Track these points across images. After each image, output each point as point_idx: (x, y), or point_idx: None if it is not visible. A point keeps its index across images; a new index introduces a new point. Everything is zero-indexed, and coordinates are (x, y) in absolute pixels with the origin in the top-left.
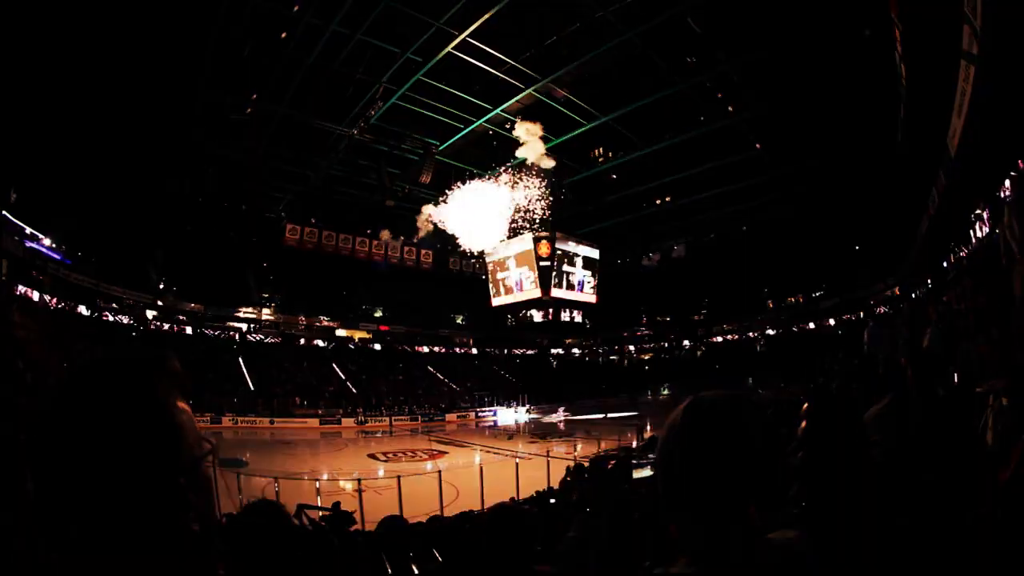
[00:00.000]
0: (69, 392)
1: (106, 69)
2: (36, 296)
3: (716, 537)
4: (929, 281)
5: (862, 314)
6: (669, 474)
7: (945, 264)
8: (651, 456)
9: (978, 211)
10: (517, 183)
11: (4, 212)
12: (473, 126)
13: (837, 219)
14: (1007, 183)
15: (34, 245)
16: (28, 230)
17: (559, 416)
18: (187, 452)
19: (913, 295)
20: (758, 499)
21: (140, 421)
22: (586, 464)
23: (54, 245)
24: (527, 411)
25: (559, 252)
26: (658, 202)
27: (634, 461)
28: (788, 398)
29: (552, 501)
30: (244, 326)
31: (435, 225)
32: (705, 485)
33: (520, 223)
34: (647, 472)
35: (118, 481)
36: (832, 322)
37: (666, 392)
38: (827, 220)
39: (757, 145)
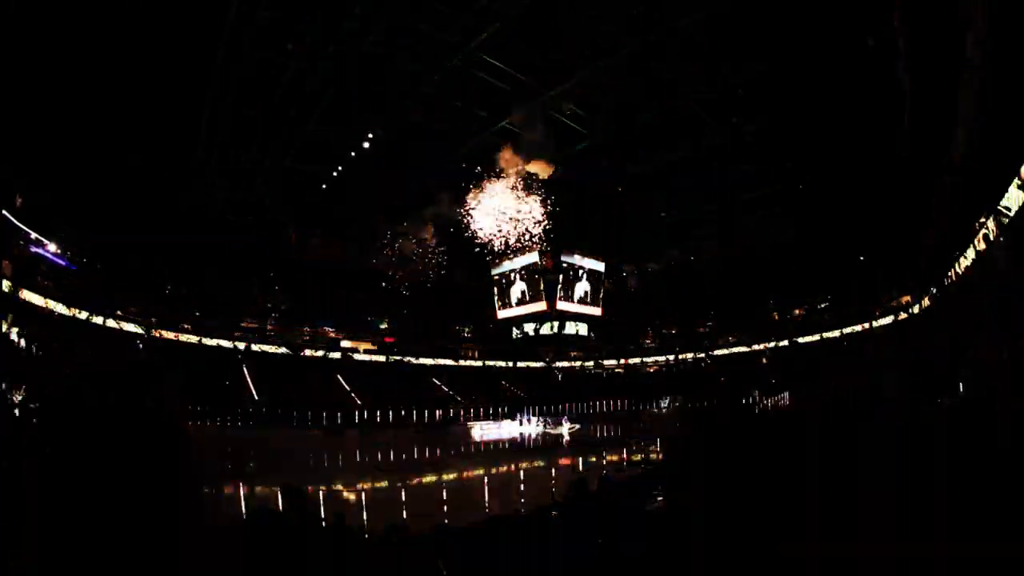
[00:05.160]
0: (74, 398)
1: (114, 75)
2: (41, 302)
3: None
4: (935, 291)
5: (867, 326)
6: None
7: (951, 274)
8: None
9: (982, 220)
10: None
11: (10, 217)
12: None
13: (841, 231)
14: (1010, 191)
15: (39, 250)
16: (33, 235)
17: (564, 430)
18: (189, 459)
19: (919, 306)
20: None
21: (146, 428)
22: (588, 478)
23: (59, 251)
24: (532, 425)
25: (564, 265)
26: (664, 215)
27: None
28: (792, 409)
29: (554, 513)
30: (249, 336)
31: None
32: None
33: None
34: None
35: (120, 485)
36: (837, 334)
37: (671, 404)
38: (831, 232)
39: (759, 153)
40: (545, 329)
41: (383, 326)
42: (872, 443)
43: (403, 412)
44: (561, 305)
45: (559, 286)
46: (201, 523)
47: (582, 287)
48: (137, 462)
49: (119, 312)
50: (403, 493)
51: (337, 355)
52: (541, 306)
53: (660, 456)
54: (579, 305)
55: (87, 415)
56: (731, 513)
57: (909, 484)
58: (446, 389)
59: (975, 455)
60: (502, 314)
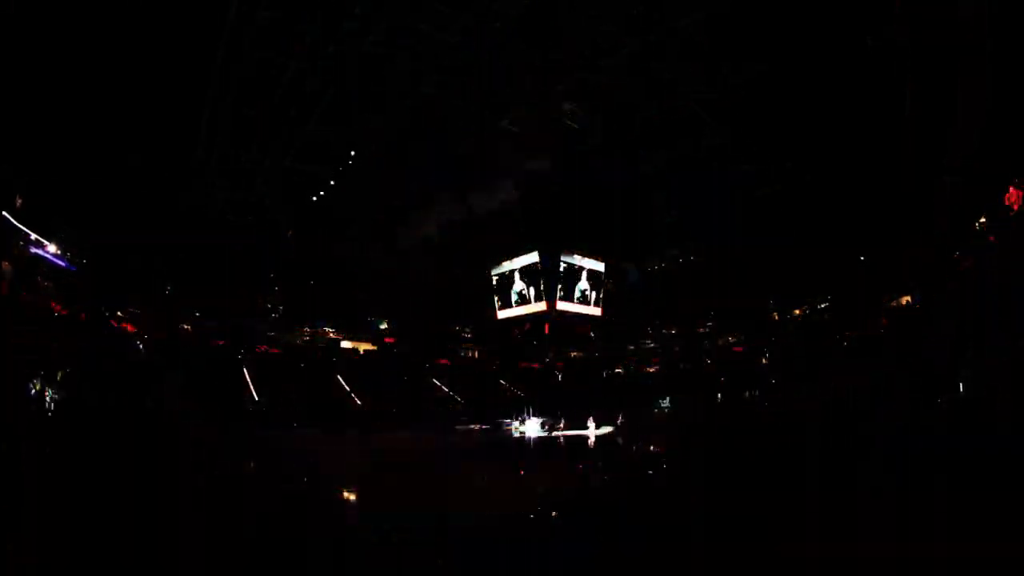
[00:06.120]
0: (74, 398)
1: (115, 75)
2: (40, 302)
3: None
4: (935, 291)
5: (867, 326)
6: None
7: (949, 274)
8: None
9: (982, 220)
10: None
11: (10, 217)
12: None
13: (841, 232)
14: (1010, 191)
15: (39, 251)
16: (33, 236)
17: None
18: (189, 460)
19: (919, 306)
20: None
21: (146, 428)
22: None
23: (59, 252)
24: (532, 425)
25: (564, 265)
26: (662, 215)
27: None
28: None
29: (554, 513)
30: (248, 336)
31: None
32: None
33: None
34: None
35: (120, 484)
36: (836, 334)
37: (671, 404)
38: (831, 232)
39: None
40: (545, 330)
41: (383, 326)
42: (872, 443)
43: (403, 412)
44: (561, 306)
45: (559, 287)
46: (201, 522)
47: (582, 287)
48: (137, 462)
49: (119, 312)
50: (403, 493)
51: (337, 355)
52: (541, 306)
53: (660, 457)
54: (579, 305)
55: (87, 415)
56: (731, 513)
57: (909, 484)
58: (446, 389)
59: (974, 455)
60: (502, 314)
